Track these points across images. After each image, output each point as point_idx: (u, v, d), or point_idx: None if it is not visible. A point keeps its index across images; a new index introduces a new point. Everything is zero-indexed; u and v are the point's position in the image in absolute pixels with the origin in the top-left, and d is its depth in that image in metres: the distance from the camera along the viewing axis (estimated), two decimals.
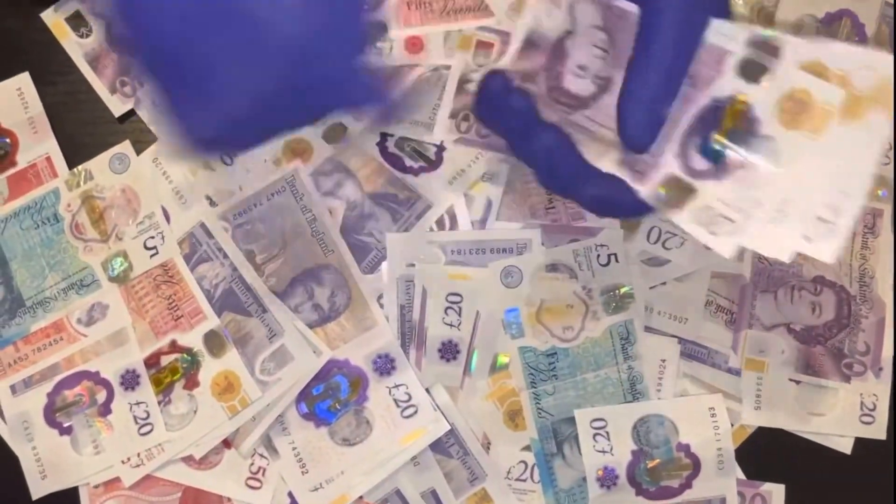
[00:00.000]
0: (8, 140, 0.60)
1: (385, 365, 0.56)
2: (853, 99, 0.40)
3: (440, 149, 0.59)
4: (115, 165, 0.59)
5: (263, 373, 0.56)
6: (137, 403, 0.56)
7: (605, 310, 0.56)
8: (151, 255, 0.58)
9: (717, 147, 0.43)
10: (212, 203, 0.57)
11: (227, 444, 0.56)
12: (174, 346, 0.56)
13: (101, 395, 0.56)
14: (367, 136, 0.58)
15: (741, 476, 0.57)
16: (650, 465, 0.56)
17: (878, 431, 0.57)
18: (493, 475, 0.56)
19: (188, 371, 0.56)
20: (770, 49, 0.42)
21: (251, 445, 0.56)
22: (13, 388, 0.57)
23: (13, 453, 0.57)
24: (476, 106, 0.49)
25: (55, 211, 0.58)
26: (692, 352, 0.58)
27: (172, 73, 0.40)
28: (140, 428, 0.56)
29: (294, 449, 0.56)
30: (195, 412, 0.56)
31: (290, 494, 0.56)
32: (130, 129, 0.60)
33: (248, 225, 0.57)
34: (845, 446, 0.58)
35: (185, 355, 0.56)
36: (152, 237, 0.58)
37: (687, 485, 0.56)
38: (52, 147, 0.59)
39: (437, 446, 0.56)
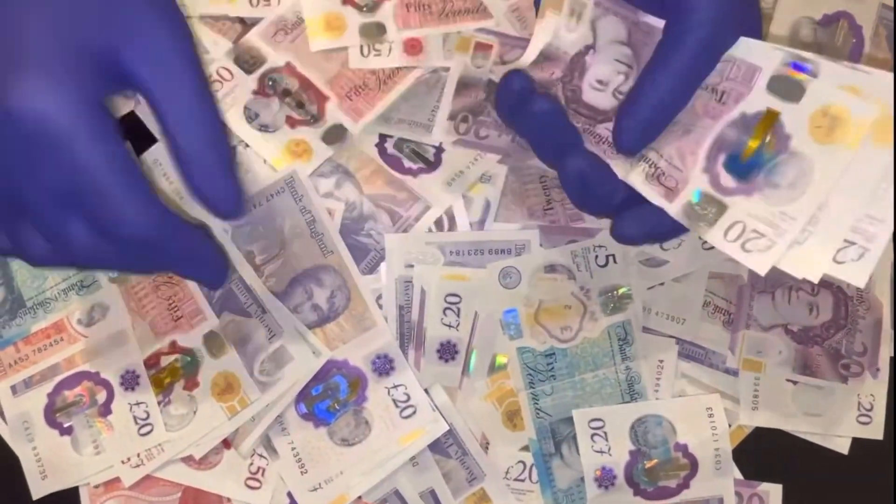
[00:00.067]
0: None
1: (384, 365, 0.56)
2: (885, 122, 0.40)
3: (439, 150, 0.58)
4: None
5: (262, 373, 0.56)
6: (137, 404, 0.56)
7: (603, 310, 0.56)
8: None
9: (746, 162, 0.43)
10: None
11: (226, 444, 0.56)
12: (174, 347, 0.56)
13: (102, 396, 0.56)
14: (365, 137, 0.58)
15: (739, 476, 0.57)
16: (648, 465, 0.56)
17: (876, 432, 0.57)
18: (491, 475, 0.56)
19: (188, 372, 0.56)
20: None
21: (251, 445, 0.56)
22: (14, 389, 0.56)
23: (13, 453, 0.56)
24: (497, 107, 0.49)
25: None
26: (690, 352, 0.58)
27: None
28: (140, 428, 0.56)
29: (293, 449, 0.56)
30: (195, 412, 0.55)
31: (290, 495, 0.56)
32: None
33: (247, 226, 0.57)
34: (842, 446, 0.58)
35: (185, 356, 0.56)
36: None
37: (684, 485, 0.56)
38: None
39: (436, 446, 0.56)
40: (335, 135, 0.58)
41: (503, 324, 0.56)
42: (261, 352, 0.56)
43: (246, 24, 0.59)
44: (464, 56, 0.58)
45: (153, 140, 0.56)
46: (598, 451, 0.56)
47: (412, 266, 0.57)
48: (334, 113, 0.58)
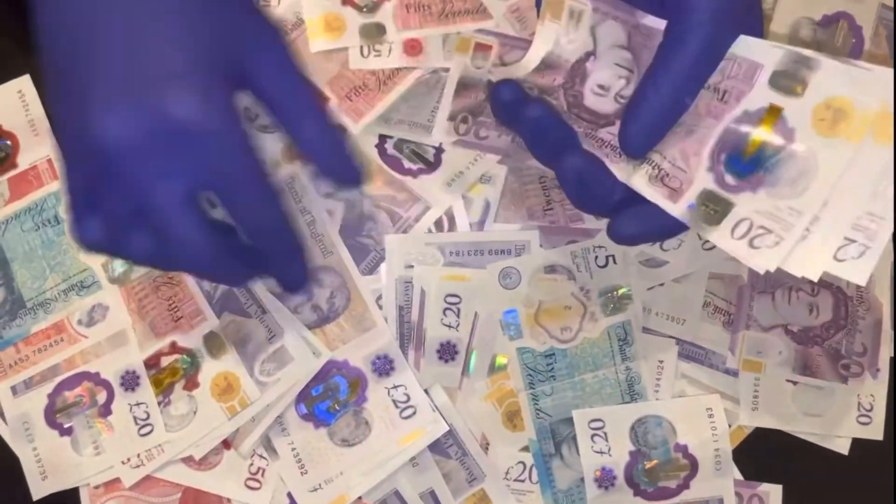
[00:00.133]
0: (9, 142, 0.59)
1: (384, 366, 0.56)
2: (886, 119, 0.40)
3: (439, 151, 0.58)
4: None
5: (263, 374, 0.55)
6: (137, 404, 0.56)
7: (603, 311, 0.56)
8: None
9: (750, 159, 0.42)
10: (212, 206, 0.57)
11: (226, 444, 0.56)
12: (174, 348, 0.56)
13: (102, 396, 0.56)
14: (365, 137, 0.58)
15: (738, 477, 0.56)
16: (648, 465, 0.56)
17: (875, 432, 0.57)
18: (491, 476, 0.56)
19: (188, 372, 0.56)
20: (807, 62, 0.42)
21: (251, 446, 0.56)
22: (14, 390, 0.56)
23: (14, 454, 0.56)
24: (493, 112, 0.50)
25: (56, 213, 0.58)
26: (690, 353, 0.57)
27: None
28: (140, 429, 0.55)
29: (293, 449, 0.56)
30: (195, 413, 0.55)
31: (290, 495, 0.56)
32: None
33: None
34: (842, 447, 0.57)
35: (186, 356, 0.56)
36: None
37: (684, 485, 0.56)
38: (52, 149, 0.59)
39: (436, 447, 0.56)
40: None
41: (503, 324, 0.56)
42: (261, 352, 0.56)
43: None
44: (464, 57, 0.58)
45: None
46: (598, 452, 0.55)
47: (412, 266, 0.57)
48: (334, 113, 0.58)
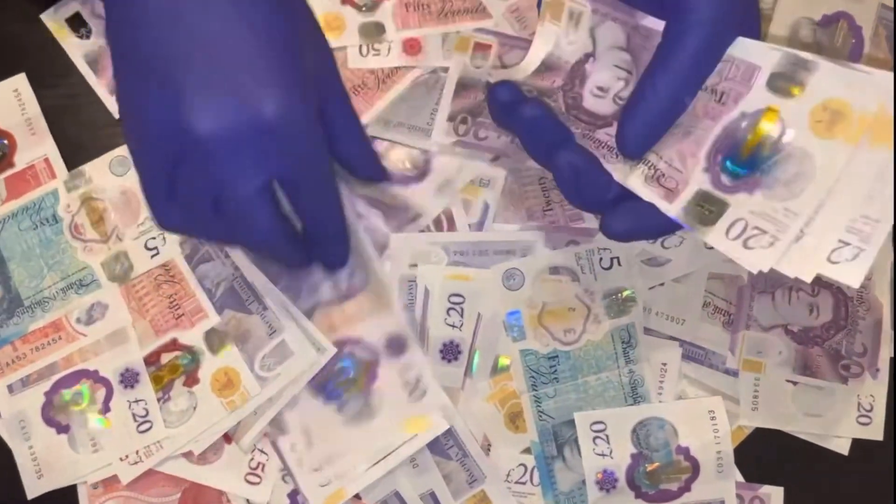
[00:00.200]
0: (6, 141, 0.58)
1: (397, 346, 0.55)
2: (883, 122, 0.39)
3: (427, 159, 0.58)
4: (115, 168, 0.58)
5: (263, 368, 0.55)
6: (136, 401, 0.55)
7: (607, 313, 0.56)
8: (152, 256, 0.57)
9: (746, 160, 0.42)
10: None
11: (227, 439, 0.55)
12: (175, 345, 0.55)
13: (101, 394, 0.55)
14: None
15: (740, 479, 0.56)
16: (649, 468, 0.55)
17: (876, 432, 0.57)
18: (492, 477, 0.55)
19: (188, 369, 0.55)
20: (805, 64, 0.41)
21: (251, 440, 0.55)
22: (10, 388, 0.55)
23: (10, 452, 0.55)
24: (490, 113, 0.51)
25: (54, 212, 0.57)
26: (690, 353, 0.57)
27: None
28: (139, 426, 0.55)
29: (300, 425, 0.55)
30: (194, 408, 0.55)
31: (289, 495, 0.55)
32: None
33: None
34: (842, 447, 0.57)
35: (186, 353, 0.55)
36: (153, 238, 0.57)
37: (686, 488, 0.55)
38: (50, 148, 0.58)
39: (436, 448, 0.55)
40: None
41: (506, 326, 0.56)
42: (262, 347, 0.55)
43: None
44: (463, 56, 0.57)
45: None
46: (599, 454, 0.55)
47: (416, 266, 0.56)
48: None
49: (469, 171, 0.57)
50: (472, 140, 0.57)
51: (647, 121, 0.44)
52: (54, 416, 0.55)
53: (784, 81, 0.41)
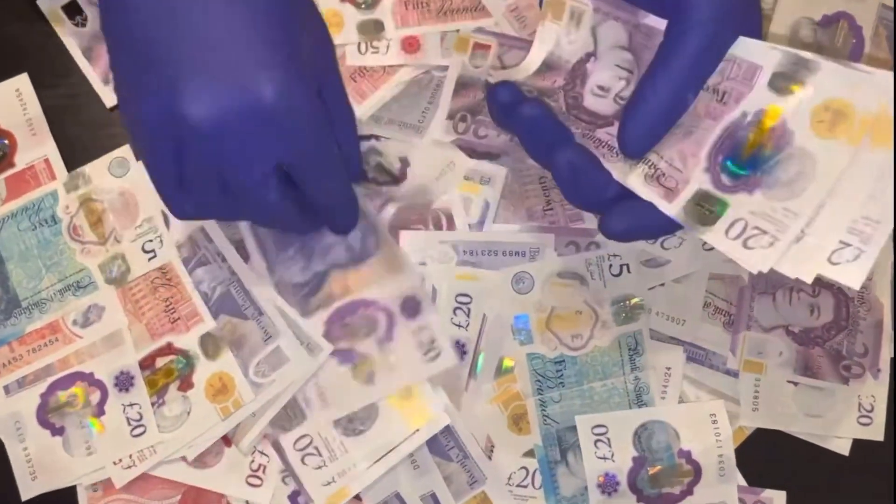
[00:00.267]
0: (6, 141, 0.57)
1: (412, 307, 0.54)
2: (883, 123, 0.39)
3: (404, 164, 0.56)
4: (114, 169, 0.57)
5: (258, 375, 0.53)
6: (131, 405, 0.54)
7: (614, 320, 0.54)
8: (149, 259, 0.55)
9: (748, 160, 0.41)
10: None
11: (227, 441, 0.54)
12: (170, 348, 0.54)
13: (95, 396, 0.54)
14: None
15: (742, 483, 0.54)
16: (651, 471, 0.54)
17: (876, 433, 0.55)
18: (492, 478, 0.54)
19: (183, 373, 0.54)
20: (806, 64, 0.40)
21: (251, 442, 0.54)
22: (6, 389, 0.54)
23: (5, 454, 0.54)
24: (489, 113, 0.50)
25: (53, 213, 0.56)
26: (690, 354, 0.56)
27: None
28: (133, 429, 0.53)
29: (316, 384, 0.53)
30: (188, 413, 0.53)
31: (290, 496, 0.54)
32: None
33: None
34: (843, 448, 0.56)
35: (181, 357, 0.54)
36: (150, 241, 0.56)
37: (688, 491, 0.54)
38: (50, 149, 0.57)
39: (437, 449, 0.54)
40: None
41: (514, 329, 0.55)
42: (257, 353, 0.54)
43: None
44: (462, 56, 0.56)
45: None
46: (601, 457, 0.53)
47: (424, 263, 0.55)
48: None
49: (449, 178, 0.56)
50: (471, 138, 0.56)
51: (648, 121, 0.43)
52: (49, 418, 0.54)
53: (786, 81, 0.41)
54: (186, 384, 0.54)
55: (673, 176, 0.43)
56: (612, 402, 0.54)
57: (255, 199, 0.44)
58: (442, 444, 0.54)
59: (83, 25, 0.58)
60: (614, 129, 0.46)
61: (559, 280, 0.55)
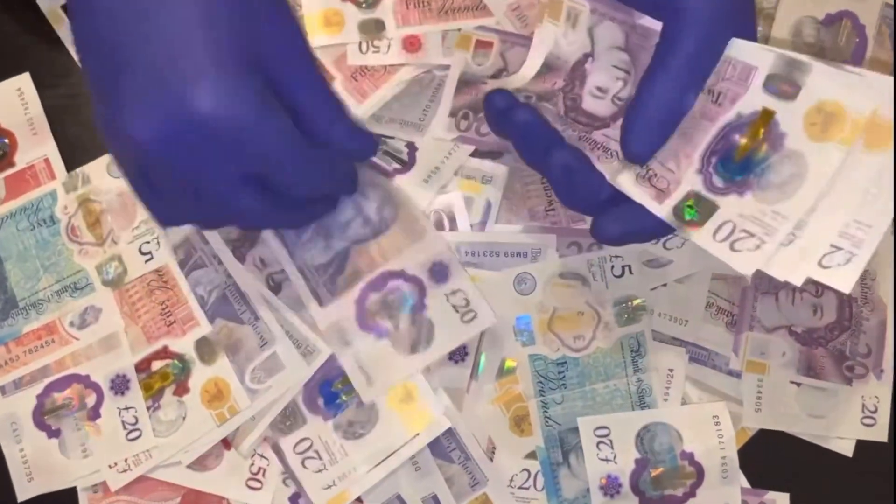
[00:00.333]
0: (7, 140, 0.56)
1: (441, 272, 0.53)
2: (877, 126, 0.38)
3: (412, 150, 0.55)
4: (113, 170, 0.56)
5: (253, 381, 0.53)
6: (126, 409, 0.53)
7: (617, 321, 0.54)
8: (146, 261, 0.54)
9: (740, 162, 0.40)
10: None
11: (227, 444, 0.53)
12: (166, 352, 0.53)
13: (91, 399, 0.53)
14: None
15: (745, 485, 0.53)
16: (654, 473, 0.53)
17: (880, 434, 0.54)
18: (494, 480, 0.53)
19: (179, 377, 0.53)
20: (799, 66, 0.39)
21: (251, 445, 0.53)
22: (3, 390, 0.54)
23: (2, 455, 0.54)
24: (486, 119, 0.49)
25: (52, 213, 0.55)
26: (693, 354, 0.55)
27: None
28: (128, 433, 0.53)
29: (356, 358, 0.52)
30: (184, 419, 0.53)
31: (290, 498, 0.53)
32: None
33: None
34: (846, 448, 0.55)
35: (177, 361, 0.53)
36: (147, 242, 0.55)
37: (691, 493, 0.53)
38: (50, 149, 0.56)
39: (438, 450, 0.53)
40: None
41: (516, 330, 0.54)
42: (253, 359, 0.53)
43: None
44: (464, 54, 0.55)
45: None
46: (603, 459, 0.53)
47: None
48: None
49: (456, 161, 0.55)
50: (473, 135, 0.55)
51: (652, 123, 0.42)
52: (45, 420, 0.53)
53: (780, 83, 0.40)
54: (182, 389, 0.53)
55: (665, 177, 0.42)
56: (614, 404, 0.53)
57: (230, 209, 0.42)
58: (443, 446, 0.53)
59: None
60: (610, 131, 0.45)
61: (561, 281, 0.54)
